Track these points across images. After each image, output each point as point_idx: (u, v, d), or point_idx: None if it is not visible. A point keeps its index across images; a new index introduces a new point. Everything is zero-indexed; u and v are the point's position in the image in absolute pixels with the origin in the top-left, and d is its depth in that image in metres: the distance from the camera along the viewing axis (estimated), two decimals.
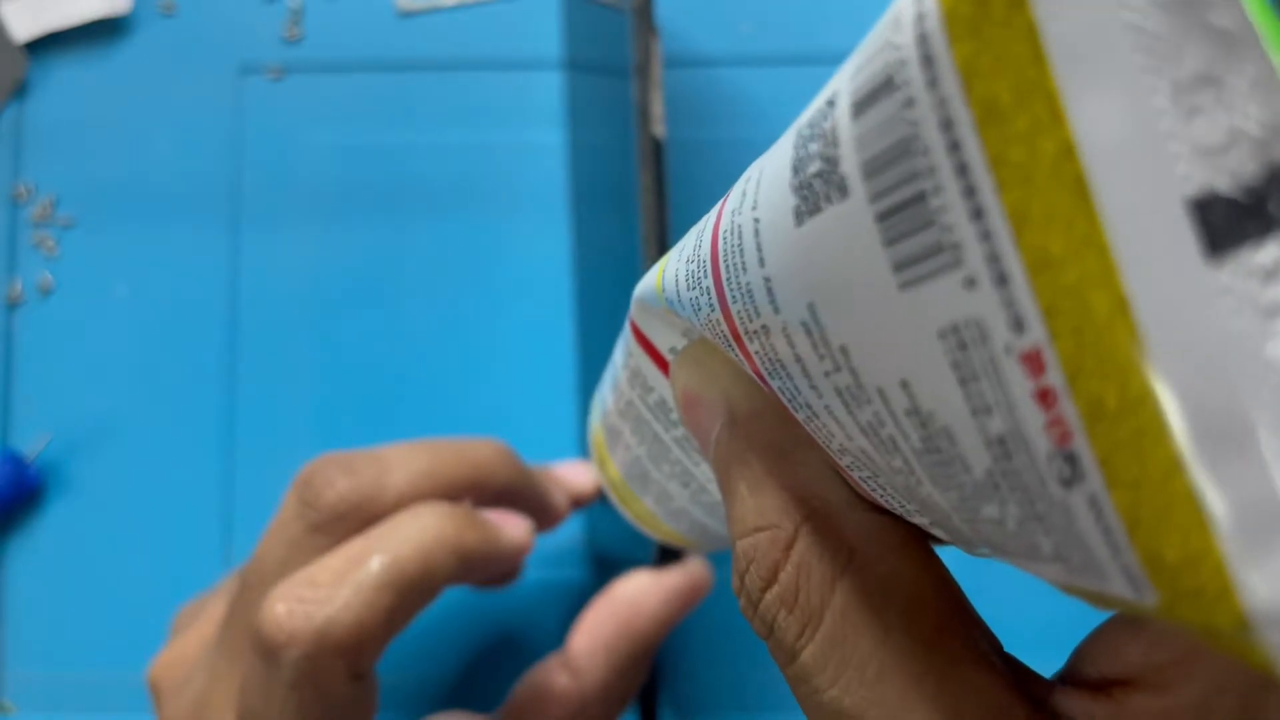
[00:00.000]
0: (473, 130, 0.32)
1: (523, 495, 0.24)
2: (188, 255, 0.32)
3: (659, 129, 0.27)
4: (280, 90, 0.33)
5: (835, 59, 0.32)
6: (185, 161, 0.32)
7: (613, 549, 0.29)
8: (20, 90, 0.33)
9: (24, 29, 0.32)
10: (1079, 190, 0.07)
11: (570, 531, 0.30)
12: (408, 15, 0.33)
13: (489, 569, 0.22)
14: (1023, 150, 0.08)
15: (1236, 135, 0.07)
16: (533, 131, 0.32)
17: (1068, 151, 0.07)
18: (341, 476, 0.21)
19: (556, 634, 0.29)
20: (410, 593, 0.20)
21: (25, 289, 0.32)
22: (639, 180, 0.27)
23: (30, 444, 0.31)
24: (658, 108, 0.27)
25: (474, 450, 0.23)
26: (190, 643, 0.23)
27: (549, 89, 0.32)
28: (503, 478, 0.23)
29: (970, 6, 0.08)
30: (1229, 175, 0.07)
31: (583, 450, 0.31)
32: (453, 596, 0.30)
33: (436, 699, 0.30)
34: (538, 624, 0.30)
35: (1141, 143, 0.07)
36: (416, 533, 0.20)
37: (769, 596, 0.12)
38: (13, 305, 0.32)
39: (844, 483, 0.13)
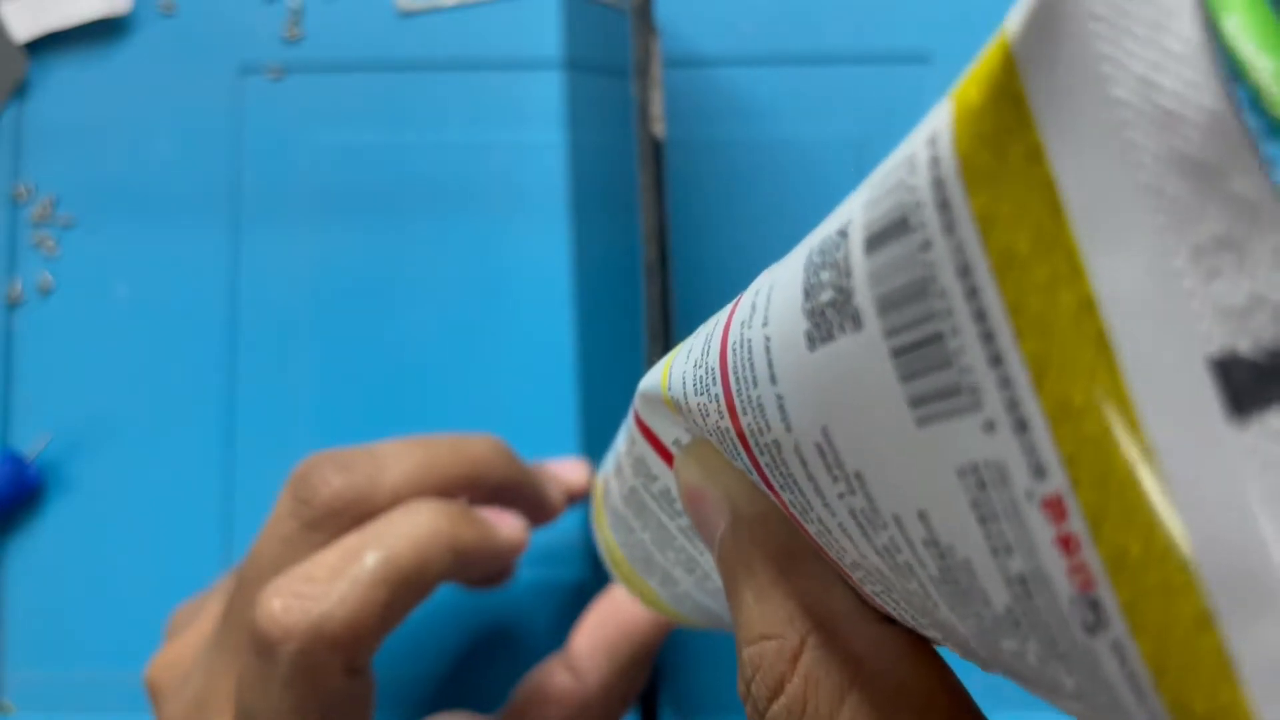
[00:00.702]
0: (473, 130, 0.32)
1: (518, 491, 0.24)
2: (188, 255, 0.32)
3: (659, 129, 0.27)
4: (280, 90, 0.33)
5: (835, 59, 0.32)
6: (185, 161, 0.32)
7: None
8: (20, 90, 0.33)
9: (24, 29, 0.32)
10: (1099, 344, 0.07)
11: (568, 530, 0.30)
12: (408, 15, 0.33)
13: (484, 567, 0.22)
14: (1042, 301, 0.08)
15: (1259, 300, 0.07)
16: (532, 131, 0.32)
17: (1088, 305, 0.07)
18: (336, 473, 0.21)
19: (554, 632, 0.29)
20: (405, 588, 0.20)
21: (25, 289, 0.32)
22: (639, 180, 0.27)
23: (30, 444, 0.31)
24: (658, 108, 0.27)
25: (469, 446, 0.23)
26: (188, 642, 0.23)
27: (549, 89, 0.32)
28: (498, 473, 0.23)
29: (988, 157, 0.08)
30: (1251, 338, 0.07)
31: (581, 448, 0.31)
32: (449, 595, 0.30)
33: (434, 697, 0.30)
34: (535, 622, 0.30)
35: (1162, 300, 0.07)
36: (411, 529, 0.20)
37: (776, 707, 0.12)
38: (13, 305, 0.32)
39: (851, 592, 0.13)
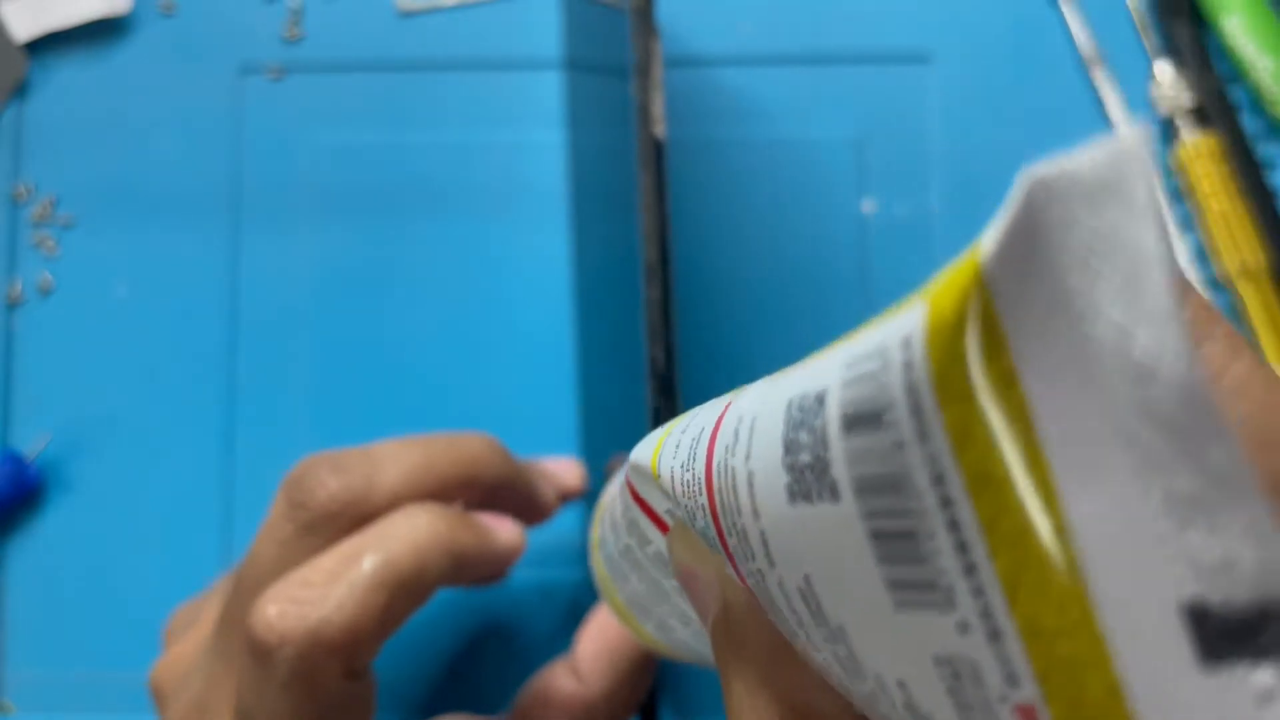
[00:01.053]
0: (473, 130, 0.32)
1: (513, 489, 0.24)
2: (188, 255, 0.32)
3: (659, 129, 0.27)
4: (280, 90, 0.33)
5: (835, 59, 0.32)
6: (185, 161, 0.32)
7: None
8: (20, 90, 0.33)
9: (24, 29, 0.32)
10: (1071, 573, 0.07)
11: (566, 530, 0.30)
12: (408, 15, 0.33)
13: (481, 571, 0.22)
14: (1015, 523, 0.08)
15: (1230, 562, 0.07)
16: (532, 131, 0.32)
17: (1060, 533, 0.07)
18: (332, 476, 0.21)
19: (553, 633, 0.29)
20: (404, 593, 0.20)
21: (25, 288, 0.32)
22: (639, 180, 0.27)
23: (30, 444, 0.31)
24: (658, 108, 0.27)
25: (465, 445, 0.23)
26: (188, 646, 0.23)
27: (549, 89, 0.32)
28: (494, 472, 0.23)
29: (960, 375, 0.08)
30: (1222, 595, 0.07)
31: (580, 449, 0.31)
32: (449, 596, 0.30)
33: (433, 698, 0.30)
34: (534, 623, 0.30)
35: (1135, 540, 0.07)
36: (409, 532, 0.20)
37: None
38: (13, 305, 0.32)
39: (836, 694, 0.13)
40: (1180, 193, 0.31)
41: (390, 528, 0.20)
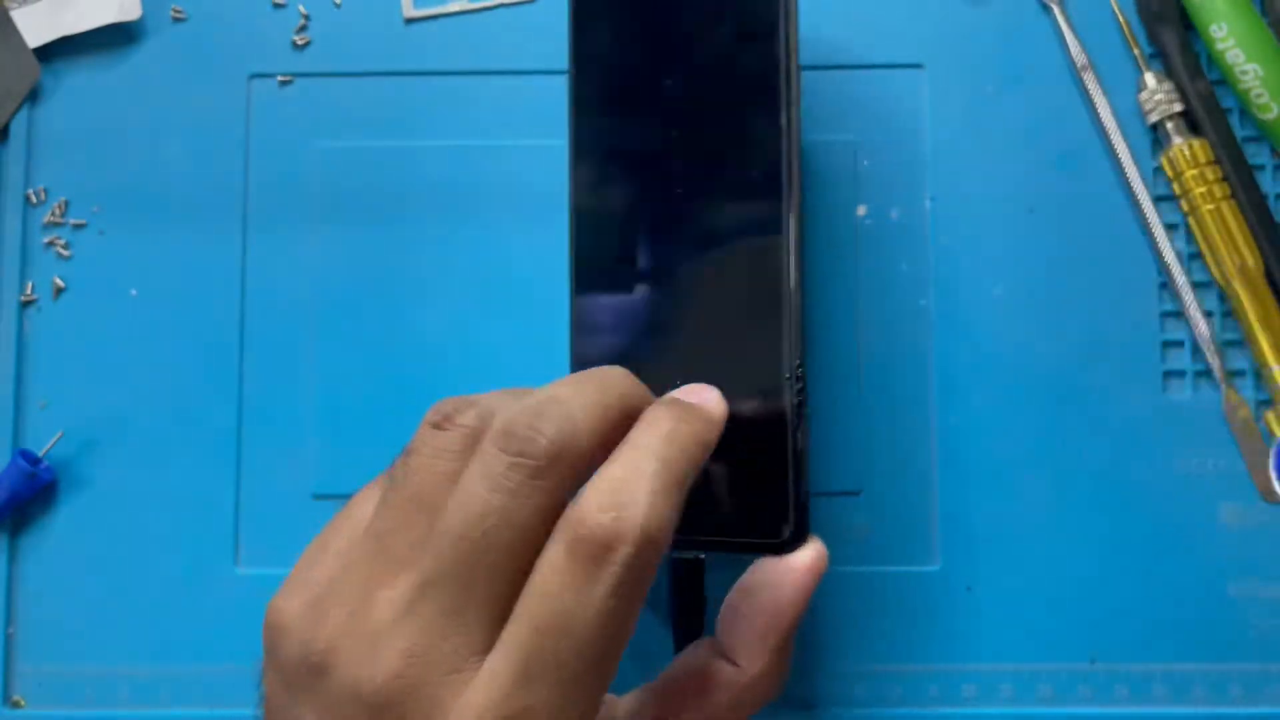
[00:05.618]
0: (480, 135, 0.33)
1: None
2: (198, 257, 0.33)
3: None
4: (289, 96, 0.33)
5: (830, 65, 0.33)
6: (195, 165, 0.33)
7: None
8: (33, 95, 0.33)
9: (36, 35, 0.33)
10: None
11: None
12: (415, 22, 0.33)
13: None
14: None
15: None
16: (540, 137, 0.33)
17: None
18: (544, 423, 0.20)
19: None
20: (683, 491, 0.20)
21: (38, 291, 0.33)
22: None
23: (42, 442, 0.32)
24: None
25: (615, 379, 0.22)
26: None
27: (557, 95, 0.32)
28: (639, 402, 0.23)
29: None
30: None
31: None
32: None
33: None
34: None
35: None
36: (670, 435, 0.21)
37: None
38: (25, 306, 0.33)
39: None
40: (1172, 196, 0.32)
41: (647, 437, 0.21)
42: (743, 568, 0.25)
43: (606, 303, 0.27)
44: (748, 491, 0.25)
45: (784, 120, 0.26)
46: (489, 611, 0.19)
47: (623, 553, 0.19)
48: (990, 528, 0.31)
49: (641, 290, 0.27)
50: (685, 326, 0.26)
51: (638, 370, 0.23)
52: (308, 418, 0.32)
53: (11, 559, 0.32)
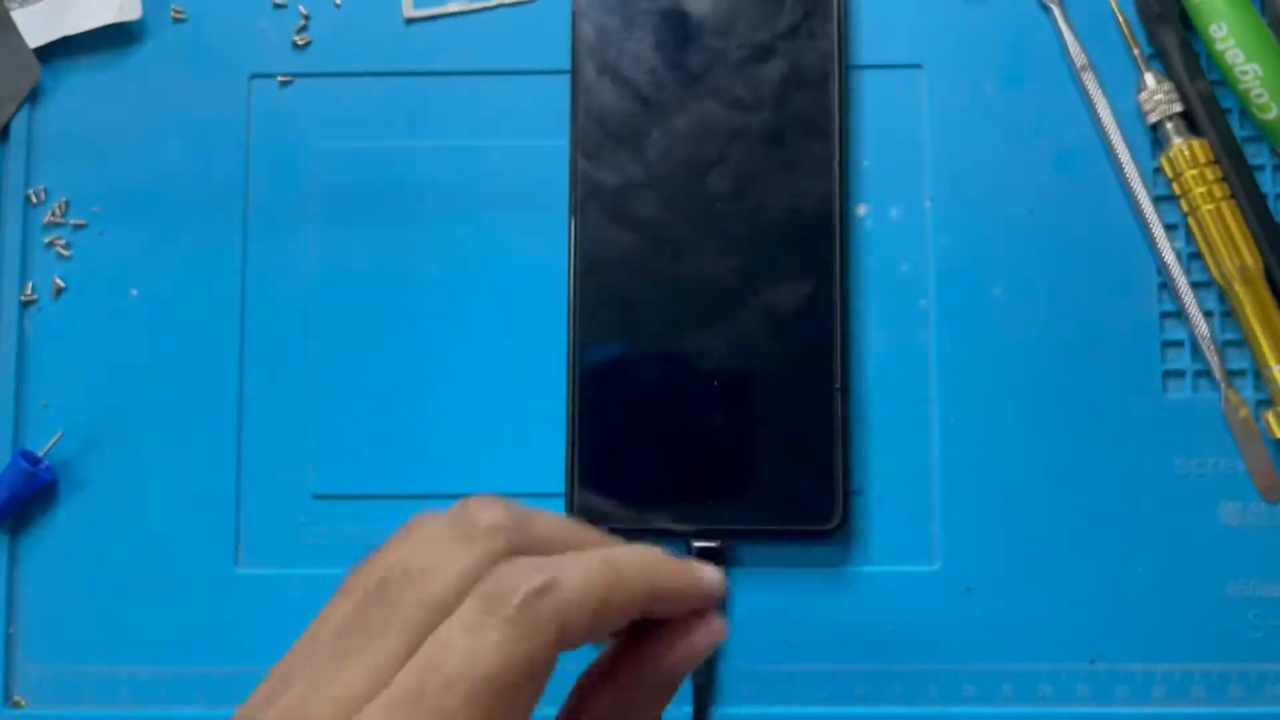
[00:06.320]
0: (480, 136, 0.33)
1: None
2: (198, 257, 0.33)
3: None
4: (289, 96, 0.33)
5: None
6: (195, 165, 0.33)
7: None
8: (33, 95, 0.33)
9: (37, 35, 0.33)
10: None
11: None
12: (415, 22, 0.33)
13: (682, 605, 0.22)
14: None
15: None
16: (540, 138, 0.33)
17: None
18: (538, 574, 0.19)
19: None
20: (621, 588, 0.20)
21: (38, 291, 0.33)
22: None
23: (42, 442, 0.32)
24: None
25: (644, 558, 0.21)
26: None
27: (558, 95, 0.32)
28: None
29: None
30: None
31: None
32: None
33: None
34: None
35: None
36: (619, 549, 0.21)
37: None
38: (26, 306, 0.33)
39: None
40: (1172, 196, 0.32)
41: (617, 548, 0.21)
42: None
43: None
44: (794, 479, 0.30)
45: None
46: None
47: (523, 595, 0.18)
48: (990, 528, 0.31)
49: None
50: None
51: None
52: (308, 418, 0.32)
53: (11, 559, 0.32)
